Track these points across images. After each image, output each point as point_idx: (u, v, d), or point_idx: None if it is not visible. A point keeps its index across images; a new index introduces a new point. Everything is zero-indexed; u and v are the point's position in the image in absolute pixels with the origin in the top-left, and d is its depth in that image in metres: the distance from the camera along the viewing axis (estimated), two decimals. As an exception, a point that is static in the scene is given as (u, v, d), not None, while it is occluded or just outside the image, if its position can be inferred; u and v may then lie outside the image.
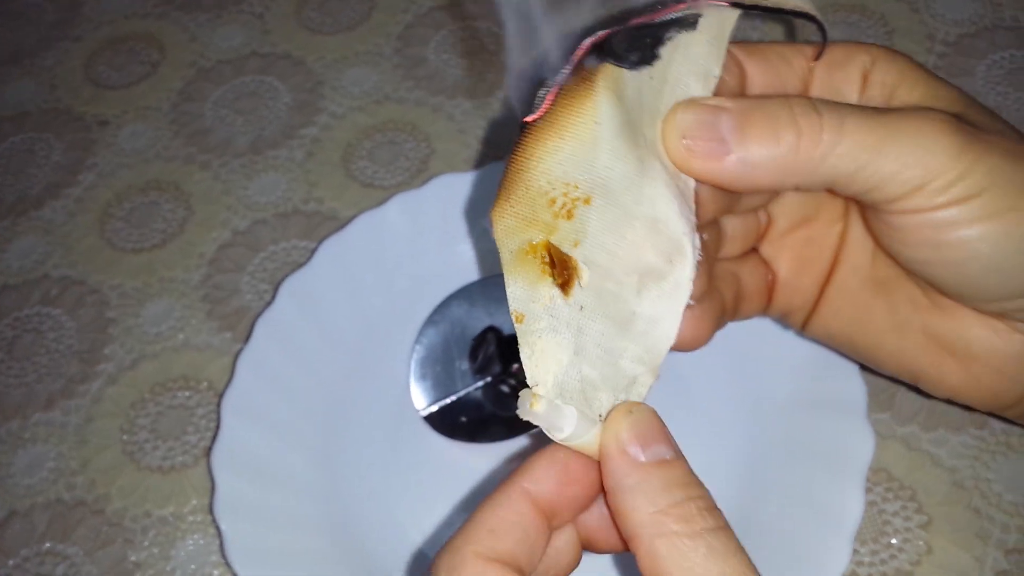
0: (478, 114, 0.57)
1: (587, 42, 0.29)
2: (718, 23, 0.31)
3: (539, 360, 0.28)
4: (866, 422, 0.41)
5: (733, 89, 0.33)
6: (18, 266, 0.54)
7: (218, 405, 0.45)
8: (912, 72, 0.33)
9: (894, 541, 0.42)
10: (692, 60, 0.31)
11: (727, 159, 0.29)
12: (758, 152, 0.29)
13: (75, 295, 0.53)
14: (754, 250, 0.37)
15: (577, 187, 0.29)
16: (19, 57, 0.64)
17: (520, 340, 0.28)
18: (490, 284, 0.49)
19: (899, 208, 0.30)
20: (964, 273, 0.31)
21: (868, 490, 0.43)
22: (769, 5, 0.32)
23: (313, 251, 0.49)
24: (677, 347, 0.31)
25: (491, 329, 0.47)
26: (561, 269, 0.29)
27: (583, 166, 0.29)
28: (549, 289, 0.28)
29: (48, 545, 0.45)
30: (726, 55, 0.32)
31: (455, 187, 0.50)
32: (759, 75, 0.33)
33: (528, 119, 0.29)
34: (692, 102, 0.30)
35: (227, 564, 0.40)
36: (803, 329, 0.38)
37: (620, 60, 0.29)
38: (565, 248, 0.29)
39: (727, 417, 0.44)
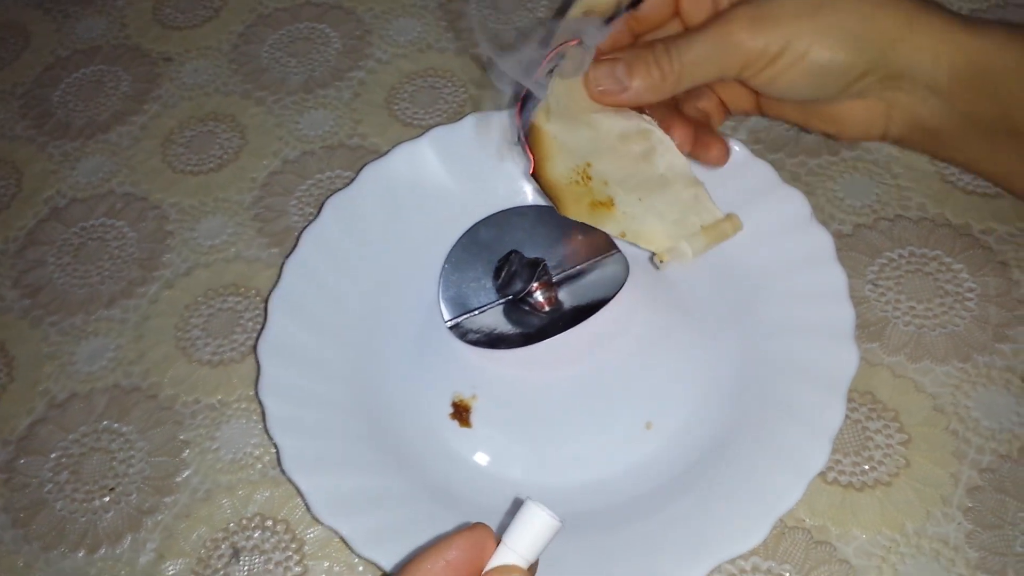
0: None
1: (517, 109, 0.47)
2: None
3: (648, 238, 0.47)
4: (851, 342, 0.45)
5: (624, 32, 0.48)
6: (86, 182, 0.59)
7: (265, 304, 0.49)
8: None
9: (875, 455, 0.46)
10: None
11: (625, 93, 0.46)
12: (640, 84, 0.45)
13: (137, 210, 0.58)
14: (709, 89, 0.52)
15: (576, 165, 0.47)
16: (93, -3, 0.69)
17: (635, 240, 0.47)
18: (515, 213, 0.53)
19: (743, 79, 0.45)
20: (801, 93, 0.46)
21: (853, 410, 0.47)
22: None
23: (355, 176, 0.53)
24: (712, 165, 0.50)
25: (514, 252, 0.51)
26: (601, 203, 0.47)
27: (567, 157, 0.46)
28: (612, 212, 0.47)
29: (105, 423, 0.50)
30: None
31: (487, 125, 0.54)
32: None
33: (531, 171, 0.46)
34: (596, 63, 0.46)
35: (268, 436, 0.45)
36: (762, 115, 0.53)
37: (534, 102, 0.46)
38: (603, 190, 0.47)
39: (726, 338, 0.48)
